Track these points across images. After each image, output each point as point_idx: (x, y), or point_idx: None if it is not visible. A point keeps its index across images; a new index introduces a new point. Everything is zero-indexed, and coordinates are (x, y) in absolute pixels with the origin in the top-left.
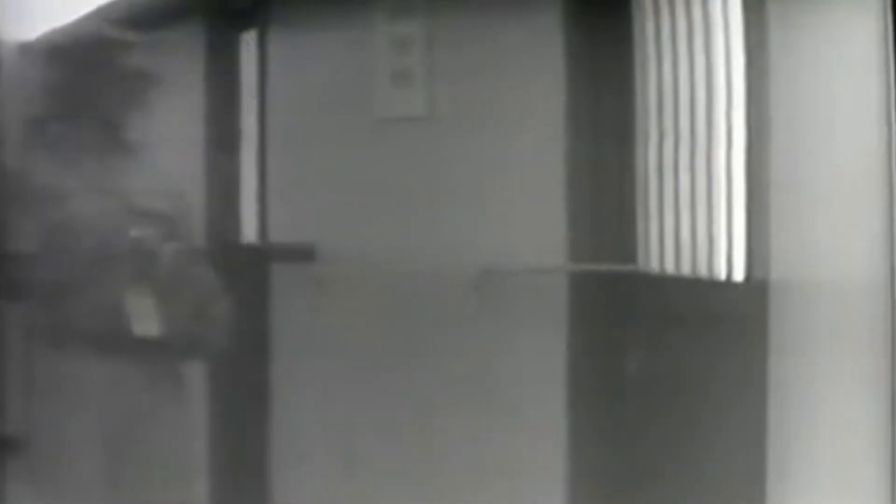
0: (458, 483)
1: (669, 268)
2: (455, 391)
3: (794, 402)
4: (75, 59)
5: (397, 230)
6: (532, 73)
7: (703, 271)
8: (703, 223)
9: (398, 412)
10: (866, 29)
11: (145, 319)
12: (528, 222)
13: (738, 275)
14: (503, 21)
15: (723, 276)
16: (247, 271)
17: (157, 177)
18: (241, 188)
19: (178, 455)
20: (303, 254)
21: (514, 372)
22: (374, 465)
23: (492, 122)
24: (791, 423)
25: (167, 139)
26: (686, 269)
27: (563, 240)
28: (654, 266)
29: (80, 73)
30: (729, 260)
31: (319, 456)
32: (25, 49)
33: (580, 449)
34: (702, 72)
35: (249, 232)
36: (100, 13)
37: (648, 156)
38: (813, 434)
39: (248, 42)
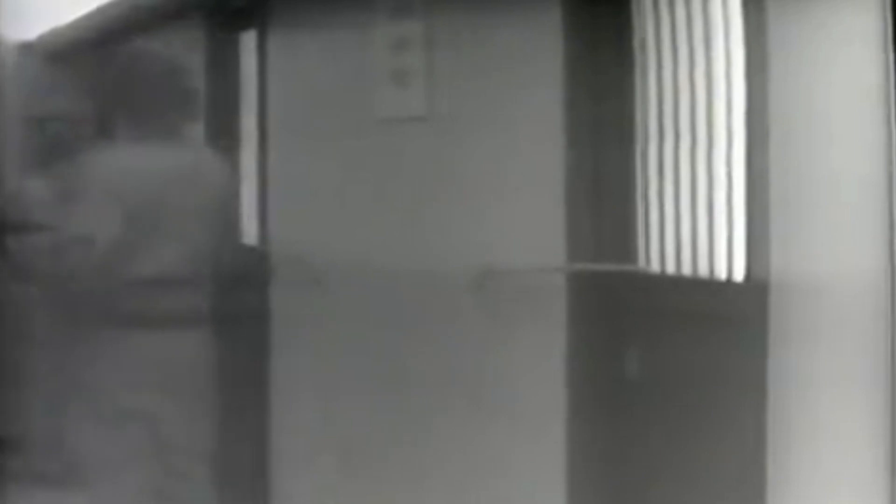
0: (457, 482)
1: (669, 268)
2: (455, 391)
3: (794, 401)
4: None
5: (397, 230)
6: (532, 72)
7: (703, 271)
8: (704, 223)
9: (398, 411)
10: (866, 29)
11: None
12: (528, 222)
13: (738, 275)
14: (503, 21)
15: (723, 276)
16: (247, 271)
17: (157, 174)
18: (241, 187)
19: (179, 453)
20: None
21: (513, 372)
22: (373, 464)
23: (491, 122)
24: (791, 422)
25: (166, 137)
26: (686, 269)
27: (563, 240)
28: (654, 266)
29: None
30: (729, 260)
31: (319, 456)
32: (26, 49)
33: (580, 449)
34: (702, 72)
35: (249, 231)
36: (100, 13)
37: (648, 156)
38: (813, 434)
39: (248, 42)
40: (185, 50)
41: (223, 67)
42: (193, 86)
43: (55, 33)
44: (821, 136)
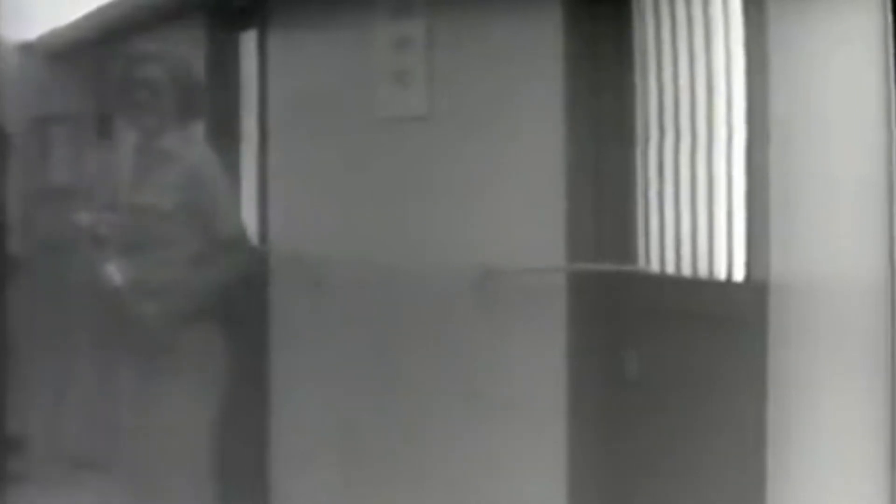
0: (458, 482)
1: (669, 268)
2: (455, 391)
3: (794, 401)
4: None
5: (397, 229)
6: (532, 72)
7: (703, 271)
8: (704, 223)
9: (398, 411)
10: (866, 29)
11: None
12: (528, 222)
13: (738, 275)
14: (504, 21)
15: (723, 276)
16: (245, 267)
17: (157, 174)
18: (242, 187)
19: (178, 451)
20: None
21: (514, 371)
22: (373, 463)
23: (492, 121)
24: (791, 422)
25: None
26: (686, 269)
27: (563, 240)
28: (654, 266)
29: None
30: (729, 260)
31: (319, 454)
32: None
33: (580, 449)
34: (702, 72)
35: (249, 230)
36: (100, 13)
37: (648, 156)
38: (813, 434)
39: (248, 42)
40: (186, 50)
41: (223, 67)
42: (197, 86)
43: (55, 33)
44: (821, 136)
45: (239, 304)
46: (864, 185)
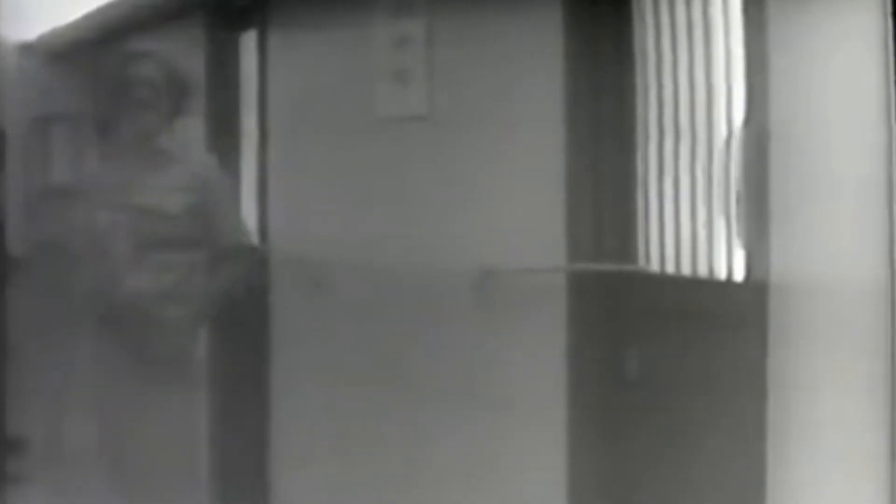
0: (458, 482)
1: (669, 268)
2: (455, 391)
3: (794, 401)
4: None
5: (397, 229)
6: (532, 72)
7: (703, 271)
8: (703, 223)
9: (398, 412)
10: (866, 29)
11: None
12: (528, 222)
13: (738, 275)
14: (504, 20)
15: (723, 276)
16: (247, 271)
17: (160, 176)
18: (242, 187)
19: (179, 452)
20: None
21: (513, 371)
22: (373, 463)
23: (492, 121)
24: (791, 422)
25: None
26: (686, 269)
27: (563, 240)
28: (654, 266)
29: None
30: (729, 260)
31: (319, 454)
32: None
33: (580, 448)
34: (702, 72)
35: (251, 232)
36: (100, 13)
37: (648, 155)
38: (813, 433)
39: (248, 42)
40: (186, 49)
41: (223, 67)
42: (194, 86)
43: (55, 33)
44: (821, 136)
45: (239, 305)
46: (864, 185)
